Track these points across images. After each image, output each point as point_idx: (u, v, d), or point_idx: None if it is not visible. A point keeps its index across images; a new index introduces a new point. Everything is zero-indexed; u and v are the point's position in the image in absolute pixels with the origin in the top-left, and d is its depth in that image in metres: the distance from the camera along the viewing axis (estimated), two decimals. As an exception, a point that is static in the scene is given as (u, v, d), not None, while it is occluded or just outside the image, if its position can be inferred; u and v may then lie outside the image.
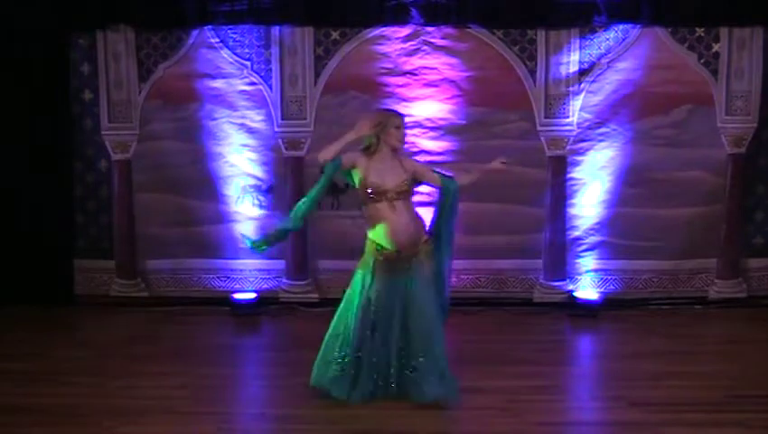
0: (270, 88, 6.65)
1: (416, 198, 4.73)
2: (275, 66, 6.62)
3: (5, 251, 6.70)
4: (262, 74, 6.64)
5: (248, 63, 6.64)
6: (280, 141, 6.70)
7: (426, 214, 4.75)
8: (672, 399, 4.61)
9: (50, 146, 6.72)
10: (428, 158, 6.40)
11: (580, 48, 6.52)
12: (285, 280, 6.83)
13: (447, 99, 6.58)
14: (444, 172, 4.79)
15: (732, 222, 6.63)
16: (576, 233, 6.72)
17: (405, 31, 6.55)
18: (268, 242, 4.69)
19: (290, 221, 4.62)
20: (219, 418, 4.43)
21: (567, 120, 6.61)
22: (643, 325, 6.25)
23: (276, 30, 6.57)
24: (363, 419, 4.37)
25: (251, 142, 6.71)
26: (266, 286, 6.84)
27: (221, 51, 6.62)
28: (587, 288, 6.70)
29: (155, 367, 5.24)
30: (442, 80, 6.58)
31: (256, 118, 6.69)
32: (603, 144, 6.62)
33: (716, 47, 6.50)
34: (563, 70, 6.55)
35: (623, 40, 6.51)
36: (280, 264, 6.81)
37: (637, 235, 6.67)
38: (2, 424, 4.32)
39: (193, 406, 4.58)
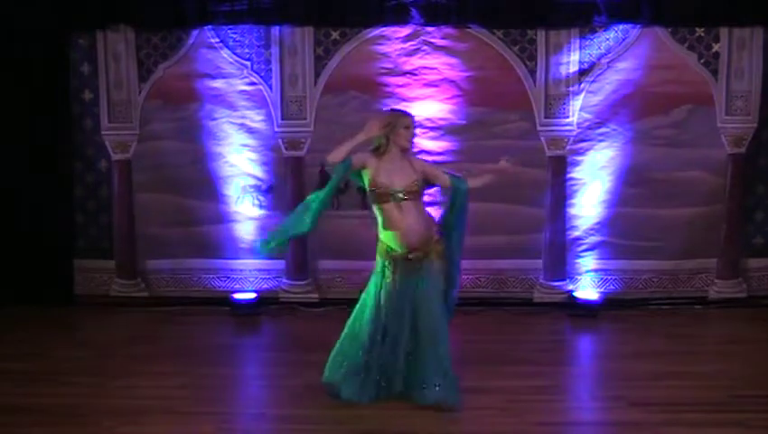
0: (270, 88, 6.65)
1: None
2: (275, 66, 6.62)
3: (5, 251, 6.71)
4: (262, 74, 6.64)
5: (248, 63, 6.64)
6: (280, 141, 6.70)
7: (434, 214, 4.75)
8: (672, 399, 4.61)
9: (50, 146, 6.73)
10: (428, 158, 6.39)
11: (580, 48, 6.52)
12: (285, 280, 6.83)
13: (447, 98, 6.58)
14: (453, 173, 4.74)
15: (732, 222, 6.63)
16: (576, 233, 6.72)
17: (405, 31, 6.55)
18: (277, 244, 4.62)
19: (299, 224, 4.57)
20: (219, 418, 4.43)
21: (567, 120, 6.61)
22: (643, 325, 6.25)
23: (276, 30, 6.58)
24: (364, 420, 4.37)
25: (251, 142, 6.72)
26: (266, 286, 6.84)
27: (221, 51, 6.62)
28: (587, 288, 6.71)
29: (155, 367, 5.24)
30: (442, 80, 6.58)
31: (256, 118, 6.69)
32: (603, 144, 6.62)
33: (716, 47, 6.50)
34: (563, 70, 6.55)
35: (623, 40, 6.51)
36: (280, 264, 6.81)
37: (637, 235, 6.67)
38: (2, 424, 4.32)
39: (193, 406, 4.58)
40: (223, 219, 6.80)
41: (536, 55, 6.55)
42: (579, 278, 6.76)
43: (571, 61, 6.53)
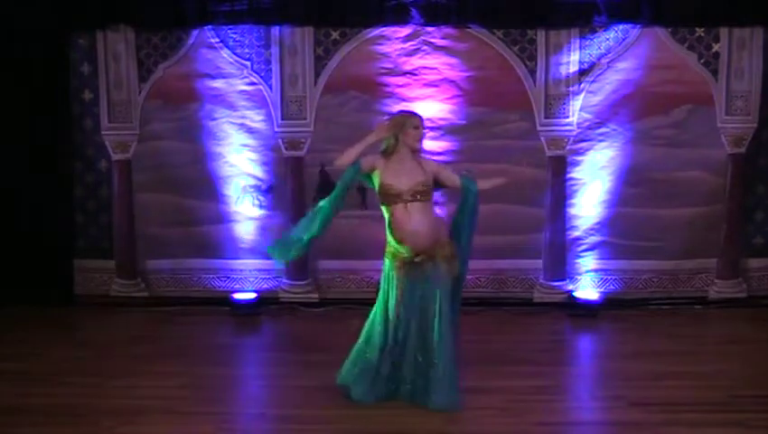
0: (270, 88, 6.65)
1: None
2: (275, 66, 6.62)
3: (5, 251, 6.71)
4: (262, 74, 6.64)
5: (248, 63, 6.64)
6: (280, 141, 6.70)
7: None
8: (672, 399, 4.60)
9: (50, 146, 6.73)
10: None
11: (580, 48, 6.52)
12: (285, 280, 6.83)
13: (447, 99, 6.58)
14: (465, 174, 4.71)
15: (732, 222, 6.63)
16: (576, 233, 6.72)
17: (405, 31, 6.55)
18: (292, 252, 4.61)
19: (309, 229, 4.56)
20: (219, 418, 4.43)
21: (567, 120, 6.61)
22: (643, 325, 6.25)
23: (276, 30, 6.58)
24: (363, 420, 4.37)
25: (251, 142, 6.72)
26: (266, 286, 6.84)
27: (221, 51, 6.62)
28: (587, 288, 6.71)
29: (155, 367, 5.24)
30: (442, 80, 6.58)
31: (256, 118, 6.69)
32: (603, 144, 6.62)
33: (716, 47, 6.50)
34: (563, 70, 6.55)
35: (623, 40, 6.51)
36: (280, 264, 6.81)
37: (637, 235, 6.67)
38: (1, 424, 4.32)
39: (193, 406, 4.58)
40: (223, 219, 6.80)
41: (536, 55, 6.55)
42: (579, 278, 6.76)
43: (571, 61, 6.53)
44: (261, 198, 6.79)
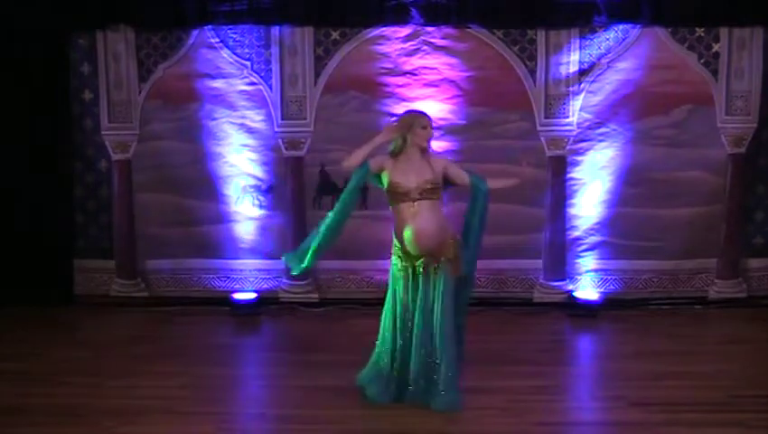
0: (270, 88, 6.65)
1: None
2: (275, 66, 6.62)
3: (5, 251, 6.70)
4: (262, 74, 6.64)
5: (248, 63, 6.64)
6: (280, 141, 6.70)
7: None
8: (672, 399, 4.61)
9: (50, 146, 6.73)
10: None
11: (580, 48, 6.52)
12: (285, 280, 6.83)
13: (447, 98, 6.58)
14: (476, 173, 4.70)
15: (732, 222, 6.63)
16: (576, 233, 6.72)
17: (405, 31, 6.55)
18: (305, 261, 4.62)
19: (321, 235, 4.57)
20: (219, 418, 4.43)
21: (567, 120, 6.61)
22: (643, 325, 6.25)
23: (276, 30, 6.57)
24: (364, 420, 4.37)
25: (251, 142, 6.72)
26: (266, 286, 6.84)
27: (221, 51, 6.62)
28: (587, 288, 6.70)
29: (155, 367, 5.24)
30: (442, 80, 6.58)
31: (256, 118, 6.69)
32: (603, 144, 6.62)
33: (716, 47, 6.50)
34: (563, 70, 6.55)
35: (623, 40, 6.51)
36: (280, 264, 6.80)
37: (637, 235, 6.67)
38: (1, 424, 4.32)
39: (193, 406, 4.58)
40: (223, 219, 6.80)
41: (536, 55, 6.54)
42: (579, 278, 6.76)
43: (571, 61, 6.53)
44: (261, 198, 6.78)
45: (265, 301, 6.72)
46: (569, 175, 6.65)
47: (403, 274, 4.53)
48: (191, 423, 4.35)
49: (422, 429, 4.27)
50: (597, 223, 6.69)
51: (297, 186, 6.69)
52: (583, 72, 6.55)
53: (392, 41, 6.57)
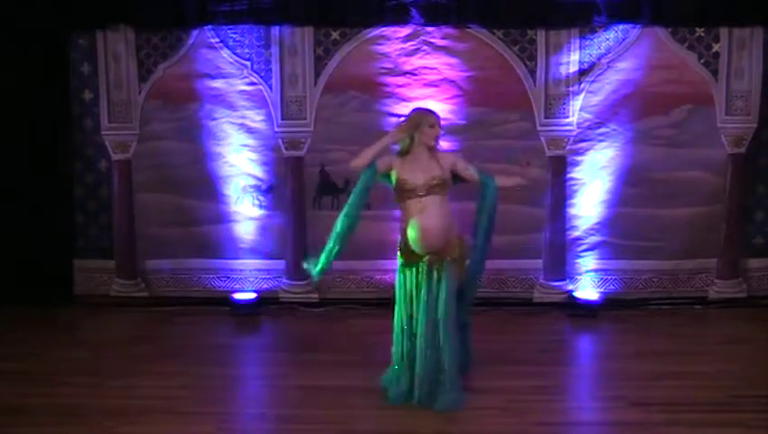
0: (270, 88, 6.65)
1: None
2: (275, 66, 6.62)
3: (5, 251, 6.70)
4: (262, 74, 6.64)
5: (248, 63, 6.64)
6: (280, 141, 6.70)
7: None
8: (672, 399, 4.61)
9: (50, 146, 6.73)
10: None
11: (580, 48, 6.52)
12: (285, 280, 6.83)
13: (447, 98, 6.57)
14: (485, 170, 4.70)
15: (732, 222, 6.63)
16: (576, 233, 6.72)
17: (405, 31, 6.55)
18: (321, 265, 4.61)
19: (335, 240, 4.57)
20: (219, 418, 4.43)
21: (567, 120, 6.61)
22: (643, 325, 6.25)
23: (276, 30, 6.57)
24: (363, 420, 4.37)
25: (251, 142, 6.72)
26: (266, 286, 6.84)
27: (221, 51, 6.62)
28: (587, 288, 6.70)
29: (155, 367, 5.24)
30: (442, 80, 6.57)
31: (256, 118, 6.69)
32: (603, 144, 6.62)
33: (716, 47, 6.50)
34: (563, 70, 6.55)
35: (623, 40, 6.51)
36: (280, 264, 6.82)
37: (637, 235, 6.67)
38: (1, 424, 4.32)
39: (193, 406, 4.58)
40: (223, 219, 6.80)
41: (536, 55, 6.54)
42: (579, 278, 6.76)
43: (571, 61, 6.53)
44: (261, 198, 6.78)
45: (265, 301, 6.72)
46: (569, 175, 6.65)
47: (408, 274, 4.53)
48: (191, 423, 4.35)
49: (422, 429, 4.27)
50: (597, 223, 6.69)
51: (297, 186, 6.69)
52: (583, 72, 6.55)
53: (392, 41, 6.57)
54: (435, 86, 6.57)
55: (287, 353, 5.66)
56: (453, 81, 6.57)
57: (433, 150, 4.55)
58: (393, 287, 4.67)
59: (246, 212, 6.79)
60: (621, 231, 6.67)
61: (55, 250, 6.81)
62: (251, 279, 6.85)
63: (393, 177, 4.54)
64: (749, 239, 6.74)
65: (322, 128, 6.65)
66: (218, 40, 6.61)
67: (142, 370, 5.17)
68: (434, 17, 6.46)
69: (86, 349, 5.65)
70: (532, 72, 6.56)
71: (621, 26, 6.47)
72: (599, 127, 6.61)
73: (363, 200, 4.62)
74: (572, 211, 6.69)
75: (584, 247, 6.73)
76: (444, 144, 6.49)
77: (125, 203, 6.78)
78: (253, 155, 6.73)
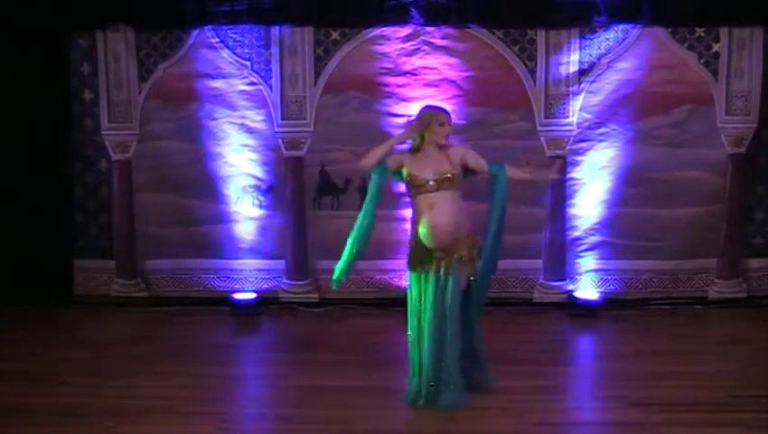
0: (270, 88, 6.65)
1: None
2: (275, 66, 6.62)
3: (6, 251, 6.70)
4: (262, 74, 6.64)
5: (248, 63, 6.64)
6: (280, 141, 6.70)
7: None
8: (672, 399, 4.61)
9: (50, 146, 6.73)
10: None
11: (580, 48, 6.52)
12: (285, 280, 6.83)
13: (447, 99, 6.57)
14: (495, 160, 4.65)
15: (732, 222, 6.63)
16: (576, 233, 6.72)
17: (405, 31, 6.55)
18: (347, 271, 4.63)
19: (353, 242, 4.58)
20: (219, 418, 4.43)
21: (567, 120, 6.61)
22: (643, 325, 6.25)
23: (276, 30, 6.58)
24: (363, 419, 4.37)
25: (251, 142, 6.72)
26: (266, 286, 6.84)
27: (221, 51, 6.62)
28: (587, 288, 6.70)
29: (155, 367, 5.24)
30: (442, 80, 6.58)
31: (256, 118, 6.69)
32: (603, 144, 6.62)
33: (716, 47, 6.50)
34: (563, 70, 6.55)
35: (623, 40, 6.51)
36: (280, 264, 6.82)
37: (637, 235, 6.67)
38: (1, 424, 4.32)
39: (193, 406, 4.58)
40: (223, 219, 6.80)
41: (536, 55, 6.54)
42: (579, 278, 6.76)
43: (571, 61, 6.53)
44: (261, 198, 6.78)
45: (265, 301, 6.72)
46: (569, 175, 6.65)
47: (418, 273, 4.52)
48: (191, 423, 4.35)
49: (422, 429, 4.28)
50: (597, 223, 6.69)
51: (297, 186, 6.69)
52: (583, 72, 6.55)
53: (392, 41, 6.57)
54: (435, 86, 6.57)
55: (287, 353, 5.66)
56: (453, 81, 6.57)
57: (443, 149, 4.54)
58: (404, 296, 4.66)
59: (246, 212, 6.79)
60: (621, 231, 6.67)
61: (55, 250, 6.81)
62: (251, 279, 6.85)
63: (404, 173, 4.54)
64: (749, 239, 6.74)
65: (322, 128, 6.65)
66: (218, 40, 6.61)
67: (142, 370, 5.17)
68: (434, 17, 6.46)
69: (86, 349, 5.65)
70: (532, 72, 6.56)
71: (621, 26, 6.47)
72: (599, 127, 6.61)
73: (379, 199, 4.60)
74: (572, 211, 6.69)
75: (584, 247, 6.73)
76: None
77: (125, 203, 6.78)
78: (253, 155, 6.73)
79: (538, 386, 4.84)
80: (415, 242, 4.54)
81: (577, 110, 6.59)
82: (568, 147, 6.63)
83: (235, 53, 6.63)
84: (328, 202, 6.70)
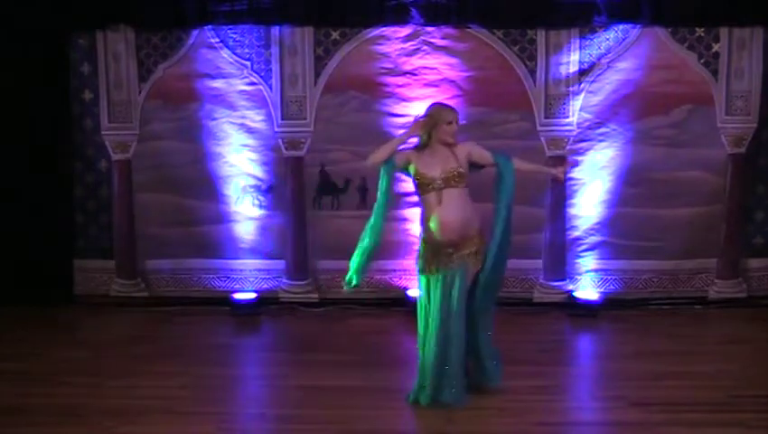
0: (270, 88, 6.65)
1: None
2: (275, 66, 6.62)
3: (5, 251, 6.70)
4: (262, 74, 6.64)
5: (248, 63, 6.64)
6: (280, 141, 6.70)
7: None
8: (672, 399, 4.61)
9: (50, 146, 6.73)
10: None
11: (580, 48, 6.52)
12: (285, 280, 6.83)
13: (447, 99, 6.55)
14: (501, 152, 4.66)
15: (732, 222, 6.63)
16: (576, 233, 6.72)
17: (405, 31, 6.55)
18: (361, 271, 4.65)
19: (366, 241, 4.57)
20: (219, 418, 4.43)
21: (567, 120, 6.61)
22: (643, 325, 6.25)
23: (276, 30, 6.58)
24: (363, 419, 4.37)
25: (251, 142, 6.72)
26: (266, 286, 6.84)
27: (221, 51, 6.62)
28: (587, 288, 6.70)
29: (155, 367, 5.24)
30: (442, 80, 6.58)
31: (256, 118, 6.69)
32: (603, 144, 6.62)
33: (716, 47, 6.50)
34: (563, 70, 6.55)
35: (623, 40, 6.51)
36: (280, 264, 6.82)
37: (637, 235, 6.67)
38: (1, 424, 4.32)
39: (193, 406, 4.58)
40: (223, 219, 6.80)
41: (536, 55, 6.54)
42: (579, 278, 6.76)
43: (571, 61, 6.53)
44: (261, 198, 6.79)
45: (265, 301, 6.72)
46: (569, 175, 6.64)
47: (426, 276, 4.51)
48: (191, 423, 4.35)
49: (422, 429, 4.28)
50: (597, 223, 6.69)
51: (297, 186, 6.69)
52: (583, 72, 6.55)
53: (392, 41, 6.57)
54: (435, 86, 6.57)
55: (287, 353, 5.66)
56: (453, 81, 6.57)
57: (450, 147, 4.52)
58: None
59: (246, 212, 6.79)
60: (621, 231, 6.67)
61: (55, 250, 6.81)
62: (251, 279, 6.85)
63: (412, 171, 4.53)
64: (749, 239, 6.74)
65: (322, 128, 6.65)
66: (218, 40, 6.61)
67: (142, 370, 5.17)
68: (434, 17, 6.46)
69: (86, 349, 5.65)
70: (532, 72, 6.56)
71: (621, 26, 6.47)
72: (599, 127, 6.61)
73: (389, 197, 4.59)
74: (572, 211, 6.69)
75: (584, 247, 6.73)
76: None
77: (125, 203, 6.78)
78: (253, 155, 6.73)
79: (537, 386, 4.84)
80: (425, 240, 4.54)
81: (577, 110, 6.59)
82: (568, 147, 6.63)
83: (235, 53, 6.63)
84: (328, 203, 6.71)
